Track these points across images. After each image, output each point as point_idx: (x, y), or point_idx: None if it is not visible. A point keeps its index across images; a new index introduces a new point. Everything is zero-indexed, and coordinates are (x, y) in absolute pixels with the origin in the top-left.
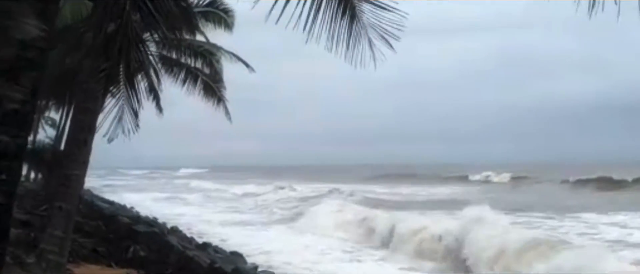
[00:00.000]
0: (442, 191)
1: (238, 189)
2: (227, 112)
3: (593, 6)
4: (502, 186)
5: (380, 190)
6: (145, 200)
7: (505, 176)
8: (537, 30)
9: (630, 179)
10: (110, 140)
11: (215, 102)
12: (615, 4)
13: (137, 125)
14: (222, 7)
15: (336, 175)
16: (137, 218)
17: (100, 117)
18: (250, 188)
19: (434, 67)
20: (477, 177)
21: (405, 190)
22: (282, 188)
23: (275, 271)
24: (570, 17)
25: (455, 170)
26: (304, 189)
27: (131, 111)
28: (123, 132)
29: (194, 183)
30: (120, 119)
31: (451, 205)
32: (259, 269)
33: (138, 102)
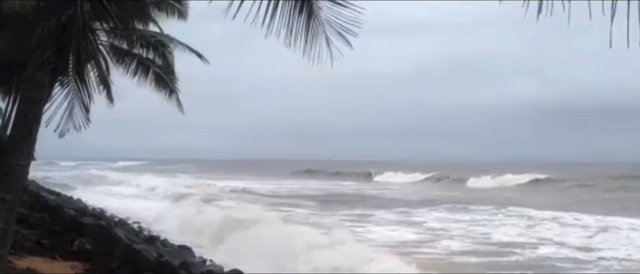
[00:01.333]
0: (328, 186)
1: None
2: (179, 104)
3: (541, 9)
4: (392, 185)
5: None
6: None
7: (415, 176)
8: (488, 32)
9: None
10: (61, 135)
11: (167, 93)
12: (564, 9)
13: (88, 120)
14: None
15: (269, 170)
16: (83, 211)
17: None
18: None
19: (387, 66)
20: (381, 177)
21: (296, 186)
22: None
23: None
24: (520, 20)
25: (386, 167)
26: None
27: (81, 105)
28: (74, 126)
29: (114, 175)
30: (70, 113)
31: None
32: (208, 263)
33: (89, 95)
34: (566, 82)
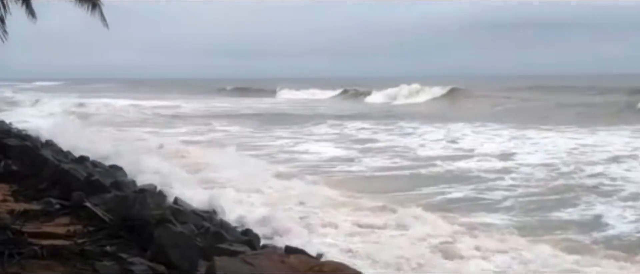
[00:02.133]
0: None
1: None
2: (103, 18)
3: None
4: (321, 103)
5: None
6: None
7: (327, 93)
8: None
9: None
10: None
11: (90, 7)
12: None
13: (5, 32)
14: None
15: (188, 89)
16: (7, 132)
17: None
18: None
19: None
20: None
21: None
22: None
23: None
24: None
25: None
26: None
27: None
28: None
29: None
30: None
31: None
32: (138, 184)
33: (4, 7)
34: None
